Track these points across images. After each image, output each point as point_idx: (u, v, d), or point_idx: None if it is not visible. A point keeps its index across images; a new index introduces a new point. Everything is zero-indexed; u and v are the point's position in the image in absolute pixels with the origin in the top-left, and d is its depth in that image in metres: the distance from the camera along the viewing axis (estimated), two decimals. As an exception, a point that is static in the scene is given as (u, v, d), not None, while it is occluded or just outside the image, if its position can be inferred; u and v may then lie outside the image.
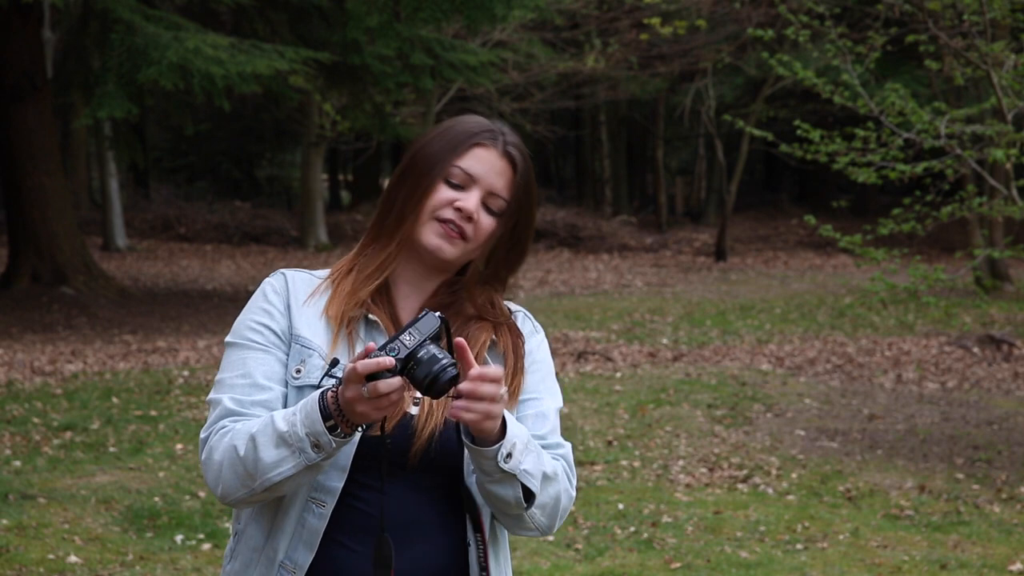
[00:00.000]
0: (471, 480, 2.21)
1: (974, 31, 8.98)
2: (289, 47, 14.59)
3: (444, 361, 2.02)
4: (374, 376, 2.00)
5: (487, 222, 2.27)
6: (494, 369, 2.06)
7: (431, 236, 2.25)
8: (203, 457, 2.19)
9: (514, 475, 2.13)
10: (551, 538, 6.59)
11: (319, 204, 25.90)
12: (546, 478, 2.19)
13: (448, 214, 2.24)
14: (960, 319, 14.59)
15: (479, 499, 2.22)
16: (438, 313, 2.06)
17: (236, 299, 17.50)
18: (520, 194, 2.30)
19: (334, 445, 2.07)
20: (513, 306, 2.37)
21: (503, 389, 2.06)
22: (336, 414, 2.06)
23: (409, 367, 2.02)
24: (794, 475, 7.91)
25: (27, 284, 16.02)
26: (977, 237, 17.02)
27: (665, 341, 13.59)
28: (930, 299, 9.74)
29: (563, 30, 23.92)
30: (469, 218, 2.24)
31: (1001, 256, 10.77)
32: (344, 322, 2.23)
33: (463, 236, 2.25)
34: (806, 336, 13.98)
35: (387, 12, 15.03)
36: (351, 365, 2.02)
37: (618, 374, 11.29)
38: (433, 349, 2.03)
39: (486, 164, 2.27)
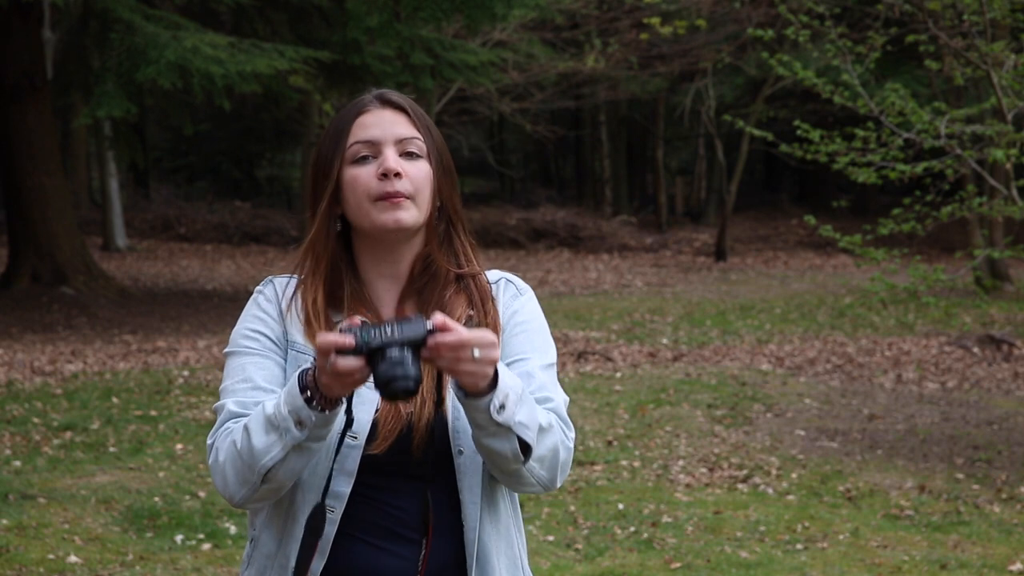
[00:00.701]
0: (459, 461, 2.21)
1: (974, 31, 8.98)
2: (289, 47, 14.59)
3: (409, 371, 2.00)
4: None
5: (417, 169, 2.25)
6: (452, 338, 2.02)
7: (380, 215, 2.23)
8: (210, 461, 2.22)
9: (508, 427, 2.11)
10: (551, 537, 6.60)
11: (319, 204, 25.86)
12: (542, 430, 2.17)
13: (377, 187, 2.23)
14: (960, 319, 14.59)
15: (466, 481, 2.21)
16: (430, 324, 2.03)
17: (236, 299, 17.50)
18: (426, 128, 2.29)
19: (314, 419, 2.07)
20: (495, 274, 2.36)
21: (476, 352, 2.02)
22: (312, 386, 2.07)
23: (375, 358, 2.02)
24: (794, 475, 7.91)
25: (27, 284, 16.02)
26: (977, 237, 17.02)
27: (665, 341, 13.59)
28: (930, 299, 9.74)
29: (563, 30, 23.92)
30: (397, 174, 2.23)
31: (1001, 256, 10.77)
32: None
33: (404, 195, 2.23)
34: (806, 336, 13.98)
35: (387, 12, 15.03)
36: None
37: (618, 374, 11.29)
38: (405, 355, 2.01)
39: (376, 124, 2.26)
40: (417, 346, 2.02)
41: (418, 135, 2.27)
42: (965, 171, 11.24)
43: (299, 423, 2.08)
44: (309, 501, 2.20)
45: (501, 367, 2.10)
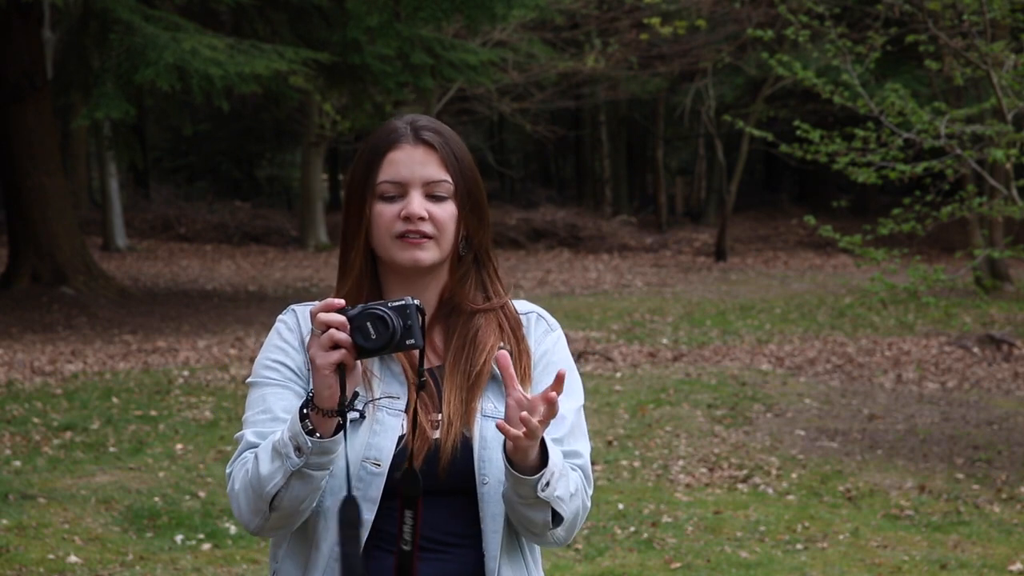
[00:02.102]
0: (483, 490, 2.22)
1: (974, 31, 8.98)
2: (289, 47, 14.59)
3: (384, 307, 2.09)
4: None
5: (443, 211, 2.25)
6: (533, 399, 2.08)
7: (400, 253, 2.24)
8: (228, 490, 2.24)
9: (548, 502, 2.16)
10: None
11: (319, 204, 25.91)
12: (572, 497, 2.22)
13: (399, 228, 2.23)
14: (960, 319, 14.59)
15: (489, 511, 2.23)
16: (417, 302, 2.11)
17: (236, 299, 17.50)
18: (456, 168, 2.27)
19: (311, 445, 2.09)
20: (526, 306, 2.37)
21: (537, 417, 2.08)
22: (309, 406, 2.10)
23: (357, 320, 2.09)
24: (794, 475, 7.91)
25: (27, 284, 16.02)
26: (977, 237, 17.02)
27: (665, 341, 13.59)
28: (930, 299, 9.74)
29: (563, 30, 23.92)
30: (420, 219, 2.23)
31: (1001, 256, 10.77)
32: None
33: (427, 236, 2.24)
34: (806, 336, 13.98)
35: (387, 12, 15.03)
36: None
37: (618, 374, 11.29)
38: (388, 310, 2.09)
39: (406, 163, 2.25)
40: (400, 311, 2.09)
41: (446, 178, 2.25)
42: (965, 171, 11.24)
43: (297, 449, 2.11)
44: (332, 529, 2.20)
45: (549, 442, 2.15)
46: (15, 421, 9.08)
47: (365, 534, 2.19)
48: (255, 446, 2.21)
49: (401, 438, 2.19)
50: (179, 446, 8.40)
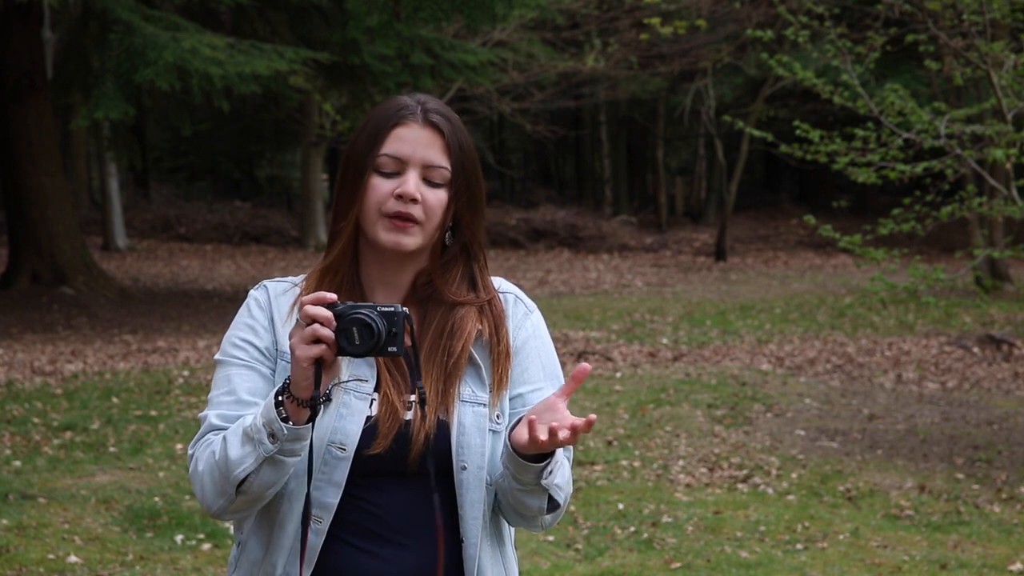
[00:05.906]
0: (461, 476, 2.20)
1: (974, 31, 8.98)
2: (289, 47, 14.59)
3: (373, 314, 2.06)
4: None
5: (435, 197, 2.22)
6: (565, 417, 2.09)
7: (384, 234, 2.21)
8: (190, 470, 2.22)
9: (546, 489, 2.17)
10: (551, 538, 6.60)
11: (319, 204, 25.91)
12: (567, 484, 2.24)
13: (392, 206, 2.20)
14: (960, 319, 14.59)
15: (468, 497, 2.21)
16: (405, 310, 2.08)
17: (236, 299, 17.50)
18: (458, 156, 2.24)
19: (285, 432, 2.08)
20: (505, 285, 2.34)
21: (563, 435, 2.08)
22: (284, 393, 2.08)
23: (345, 319, 2.06)
24: (794, 475, 7.91)
25: (27, 284, 16.02)
26: (977, 237, 17.01)
27: (665, 341, 13.59)
28: (930, 299, 9.74)
29: (563, 30, 23.92)
30: (413, 200, 2.20)
31: (1001, 256, 10.77)
32: None
33: (414, 221, 2.21)
34: (806, 336, 13.98)
35: (387, 12, 15.03)
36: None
37: (618, 374, 11.29)
38: (376, 316, 2.06)
39: (411, 141, 2.21)
40: (388, 317, 2.07)
41: (446, 165, 2.22)
42: (965, 171, 11.24)
43: (271, 435, 2.09)
44: (296, 511, 2.19)
45: None
46: (15, 421, 9.08)
47: (328, 520, 2.18)
48: (219, 428, 2.19)
49: (368, 418, 2.17)
50: (179, 446, 8.40)
